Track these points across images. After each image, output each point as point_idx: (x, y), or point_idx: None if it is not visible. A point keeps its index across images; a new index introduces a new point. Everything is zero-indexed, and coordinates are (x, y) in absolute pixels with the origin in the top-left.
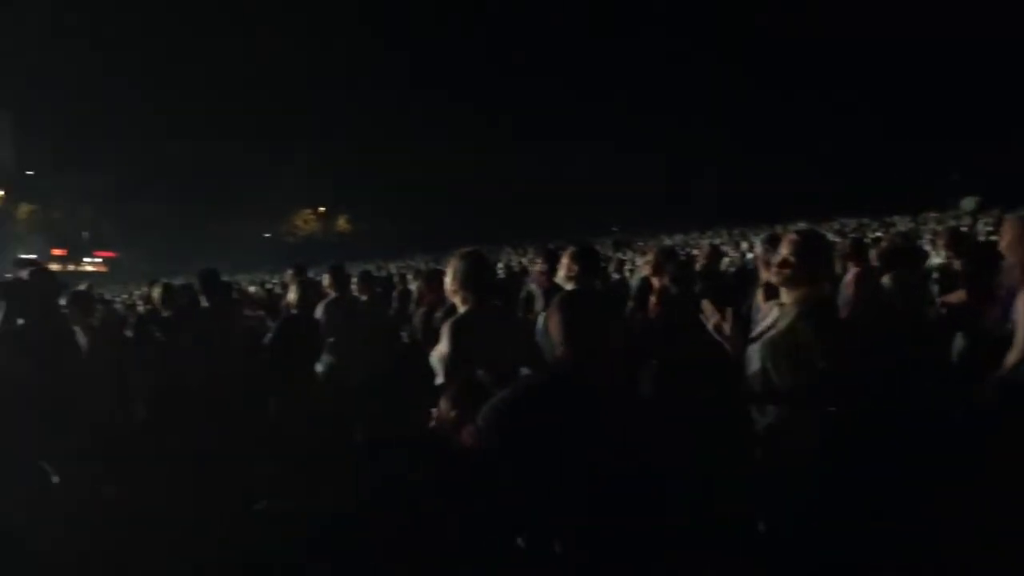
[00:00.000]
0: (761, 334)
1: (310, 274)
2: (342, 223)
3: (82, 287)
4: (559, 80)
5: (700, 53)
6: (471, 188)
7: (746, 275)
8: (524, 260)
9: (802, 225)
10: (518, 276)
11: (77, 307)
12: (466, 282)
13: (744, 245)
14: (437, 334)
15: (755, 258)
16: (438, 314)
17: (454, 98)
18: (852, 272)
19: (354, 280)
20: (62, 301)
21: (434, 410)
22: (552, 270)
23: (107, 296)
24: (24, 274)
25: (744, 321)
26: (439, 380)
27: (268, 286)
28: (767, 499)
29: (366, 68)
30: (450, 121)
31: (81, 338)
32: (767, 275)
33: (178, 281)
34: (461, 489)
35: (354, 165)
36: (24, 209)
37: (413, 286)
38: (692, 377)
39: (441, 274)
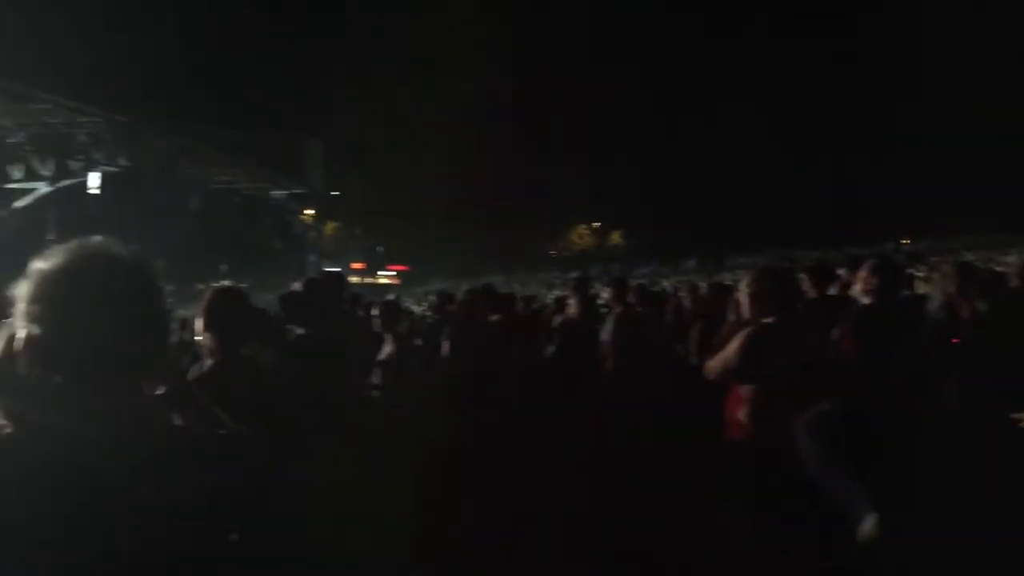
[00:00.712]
0: None
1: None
2: (616, 237)
3: (391, 297)
4: (834, 86)
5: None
6: (745, 200)
7: None
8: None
9: None
10: None
11: (385, 316)
12: (766, 296)
13: None
14: (716, 349)
15: None
16: (723, 328)
17: (725, 111)
18: None
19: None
20: (375, 312)
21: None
22: (818, 286)
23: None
24: (298, 285)
25: None
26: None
27: (548, 299)
28: None
29: (637, 88)
30: (720, 134)
31: (388, 345)
32: None
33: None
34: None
35: (629, 180)
36: (330, 227)
37: (687, 301)
38: (999, 400)
39: (725, 289)
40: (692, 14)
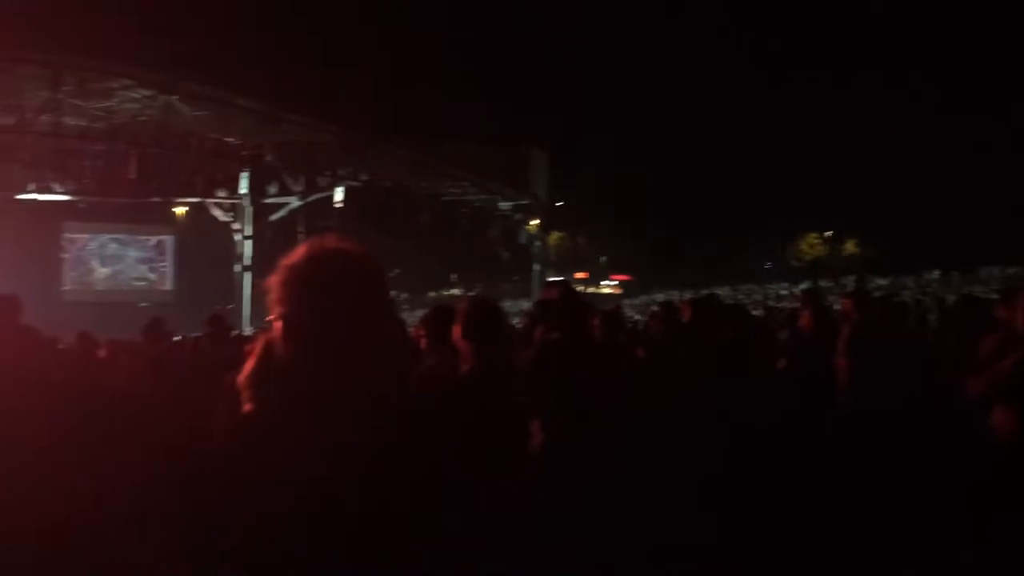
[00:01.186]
0: None
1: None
2: (850, 247)
3: (611, 307)
4: None
5: None
6: (995, 206)
7: None
8: None
9: None
10: None
11: (606, 325)
12: None
13: None
14: (973, 365)
15: None
16: (982, 343)
17: (974, 112)
18: None
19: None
20: (596, 321)
21: None
22: None
23: None
24: (551, 292)
25: None
26: None
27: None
28: None
29: (871, 89)
30: (969, 133)
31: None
32: None
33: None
34: None
35: (865, 185)
36: (554, 237)
37: (931, 314)
38: None
39: (977, 301)
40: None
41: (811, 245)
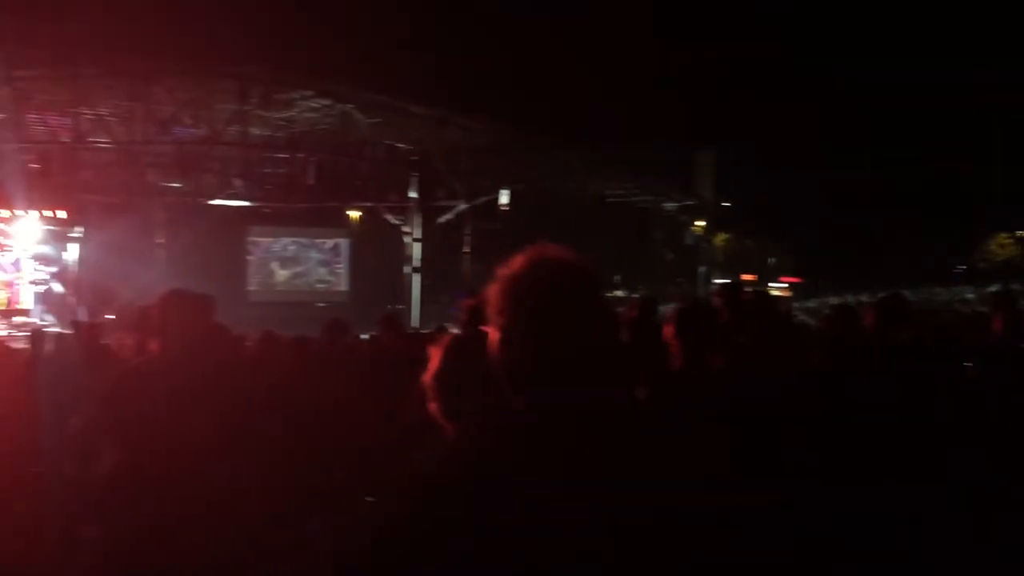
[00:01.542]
0: None
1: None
2: None
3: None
4: None
5: None
6: None
7: None
8: None
9: None
10: None
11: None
12: None
13: None
14: None
15: None
16: None
17: None
18: None
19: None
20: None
21: None
22: None
23: None
24: (745, 295)
25: None
26: None
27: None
28: None
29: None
30: None
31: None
32: None
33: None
34: None
35: None
36: (720, 238)
37: None
38: None
39: None
40: None
41: (1002, 245)
